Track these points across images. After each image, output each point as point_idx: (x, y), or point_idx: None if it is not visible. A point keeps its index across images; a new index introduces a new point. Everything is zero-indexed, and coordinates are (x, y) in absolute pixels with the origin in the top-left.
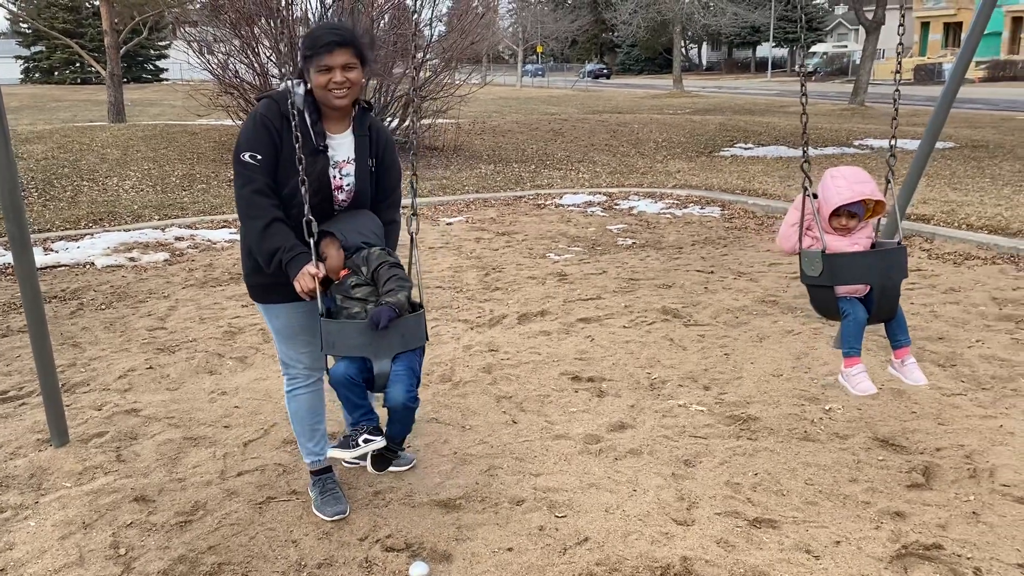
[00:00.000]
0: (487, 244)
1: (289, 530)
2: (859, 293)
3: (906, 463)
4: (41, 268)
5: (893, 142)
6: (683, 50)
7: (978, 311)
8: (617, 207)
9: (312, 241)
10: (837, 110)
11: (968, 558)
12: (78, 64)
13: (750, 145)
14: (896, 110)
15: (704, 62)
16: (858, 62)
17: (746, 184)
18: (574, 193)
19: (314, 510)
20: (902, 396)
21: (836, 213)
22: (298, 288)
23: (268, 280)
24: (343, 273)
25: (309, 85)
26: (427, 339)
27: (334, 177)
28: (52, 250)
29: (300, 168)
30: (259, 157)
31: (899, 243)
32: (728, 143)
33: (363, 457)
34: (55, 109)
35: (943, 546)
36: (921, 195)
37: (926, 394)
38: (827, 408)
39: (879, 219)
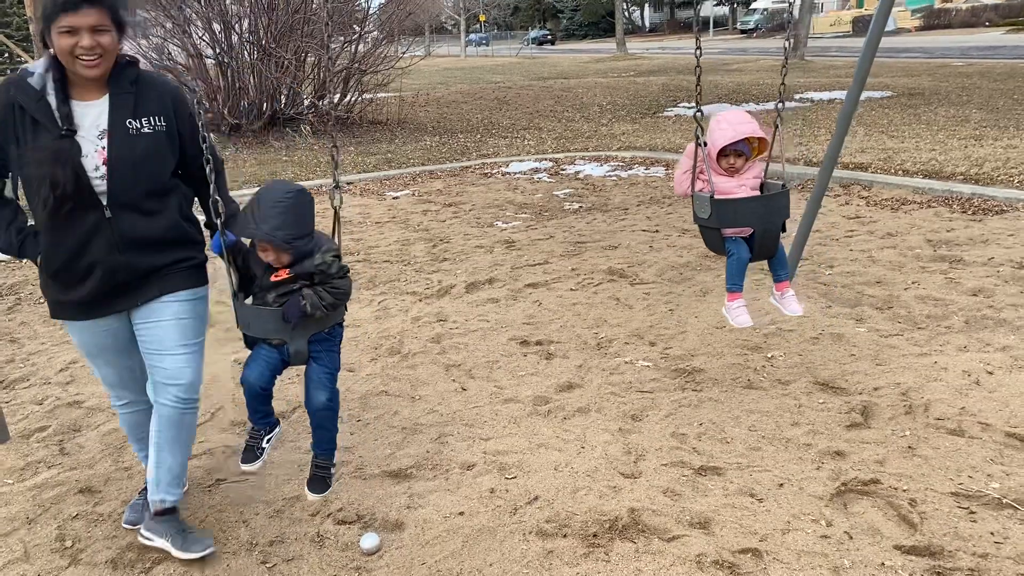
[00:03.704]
0: (434, 216)
1: (240, 510)
2: (744, 233)
3: (845, 404)
4: None
5: (781, 90)
6: (626, 12)
7: (914, 254)
8: (563, 172)
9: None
10: (778, 65)
11: (904, 490)
12: (6, 55)
13: (692, 104)
14: (786, 59)
15: (647, 24)
16: (795, 18)
17: (689, 142)
18: (520, 161)
19: (177, 552)
20: (841, 340)
21: (724, 153)
22: None
23: (58, 293)
24: (284, 274)
25: (52, 51)
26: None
27: (88, 156)
28: None
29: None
30: None
31: (783, 186)
32: (671, 103)
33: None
34: None
35: (880, 481)
36: (859, 144)
37: (865, 336)
38: (769, 356)
39: (767, 160)
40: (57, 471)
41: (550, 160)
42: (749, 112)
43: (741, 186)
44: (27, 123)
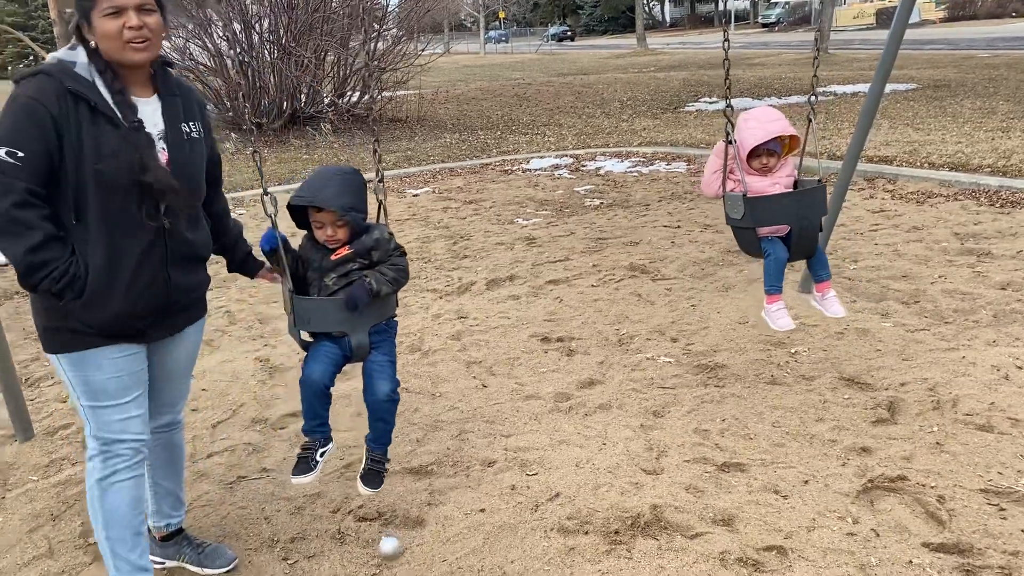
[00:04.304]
0: (454, 213)
1: (261, 507)
2: (780, 233)
3: (871, 400)
4: (2, 265)
5: (814, 82)
6: (646, 7)
7: (940, 247)
8: (584, 168)
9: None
10: (801, 58)
11: (932, 487)
12: (32, 58)
13: (715, 99)
14: (817, 50)
15: (668, 18)
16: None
17: (711, 138)
18: (540, 157)
19: (197, 569)
20: (867, 335)
21: (755, 154)
22: None
23: (97, 316)
24: (344, 251)
25: (93, 43)
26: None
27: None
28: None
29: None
30: (20, 155)
31: (819, 181)
32: (692, 98)
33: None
34: None
35: (908, 477)
36: (883, 137)
37: (891, 331)
38: (793, 352)
39: (800, 156)
40: (80, 468)
41: (570, 156)
42: (774, 107)
43: (774, 185)
44: (83, 114)
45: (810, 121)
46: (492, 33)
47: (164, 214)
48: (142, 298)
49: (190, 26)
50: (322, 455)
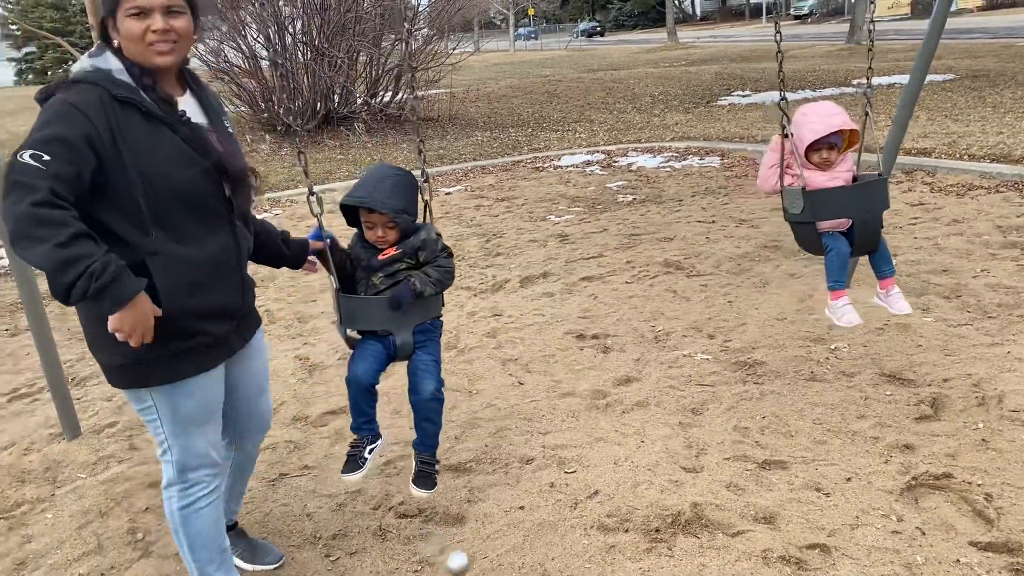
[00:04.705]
0: (487, 211)
1: (303, 504)
2: (841, 227)
3: (914, 396)
4: None
5: (869, 74)
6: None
7: (982, 240)
8: (616, 164)
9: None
10: (834, 50)
11: (979, 485)
12: (70, 62)
13: (747, 92)
14: (872, 41)
15: (698, 12)
16: (852, 1)
17: (744, 131)
18: (572, 154)
19: (247, 566)
20: (908, 330)
21: (815, 148)
22: (133, 338)
23: (183, 342)
24: (391, 251)
25: (116, 43)
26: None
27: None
28: None
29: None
30: (46, 158)
31: (879, 175)
32: (725, 92)
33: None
34: None
35: (953, 475)
36: (922, 129)
37: (932, 326)
38: (833, 348)
39: (859, 151)
40: (127, 466)
41: (602, 152)
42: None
43: (834, 179)
44: (137, 121)
45: (867, 114)
46: (521, 30)
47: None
48: (226, 298)
49: (224, 28)
50: (370, 452)
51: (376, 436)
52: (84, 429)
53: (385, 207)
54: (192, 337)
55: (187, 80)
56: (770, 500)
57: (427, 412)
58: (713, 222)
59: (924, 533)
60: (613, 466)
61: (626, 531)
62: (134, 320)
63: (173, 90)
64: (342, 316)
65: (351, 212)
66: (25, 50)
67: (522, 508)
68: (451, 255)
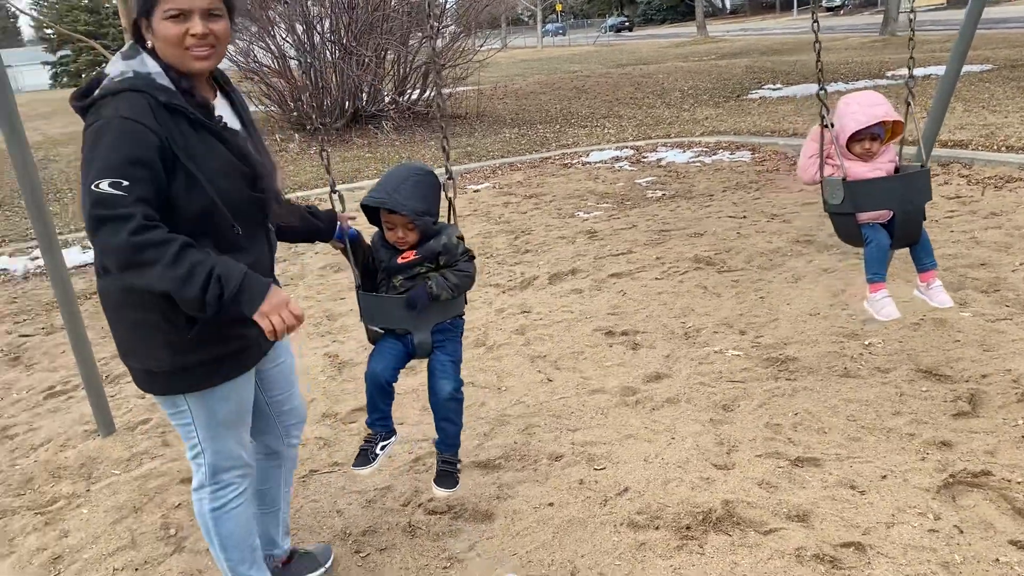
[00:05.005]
0: (515, 208)
1: (333, 501)
2: (882, 219)
3: (951, 392)
4: (81, 266)
5: (910, 63)
6: None
7: (1021, 233)
8: (645, 160)
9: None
10: (868, 42)
11: (1019, 483)
12: (103, 65)
13: (779, 86)
14: (912, 30)
15: (728, 5)
16: None
17: (776, 125)
18: (600, 150)
19: (322, 571)
20: (944, 325)
21: (857, 138)
22: (278, 327)
23: (221, 347)
24: (411, 256)
25: (150, 44)
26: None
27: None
28: (90, 248)
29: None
30: (125, 184)
31: (922, 166)
32: (756, 86)
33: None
34: None
35: (992, 472)
36: (958, 120)
37: (970, 321)
38: (867, 343)
39: (900, 141)
40: (160, 462)
41: (631, 148)
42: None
43: (875, 170)
44: (185, 127)
45: (908, 105)
46: (549, 26)
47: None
48: None
49: (253, 28)
50: (383, 448)
51: (390, 432)
52: (118, 426)
53: (405, 209)
54: (228, 342)
55: (219, 82)
56: (803, 498)
57: (446, 412)
58: (744, 217)
59: (962, 532)
60: (643, 463)
61: (656, 528)
62: (279, 311)
63: (207, 93)
64: (362, 312)
65: (373, 211)
66: (60, 53)
67: (551, 505)
68: (472, 258)
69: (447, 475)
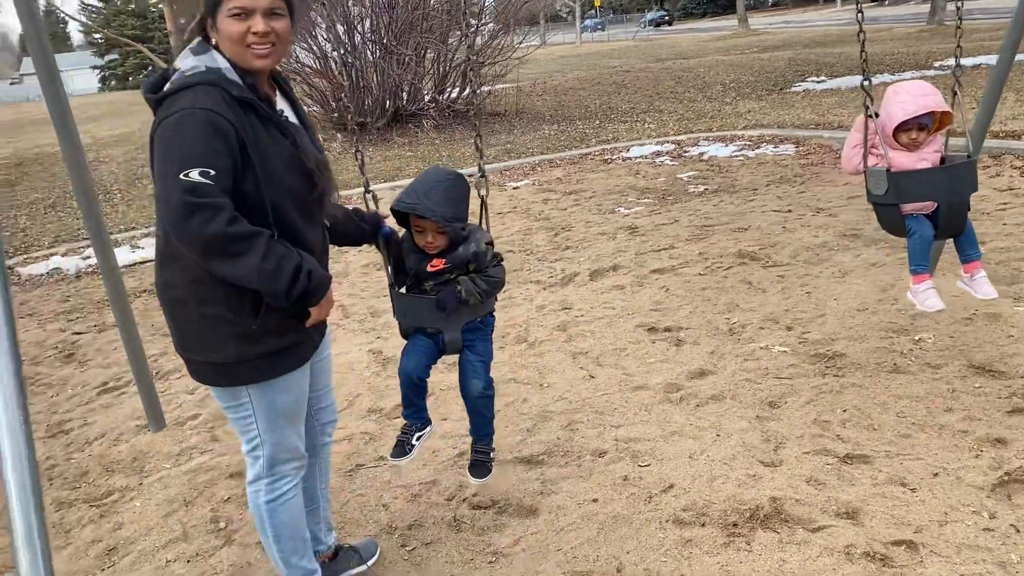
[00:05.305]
0: (555, 204)
1: (379, 495)
2: (926, 210)
3: (1005, 388)
4: (130, 264)
5: (957, 52)
6: None
7: None
8: (687, 154)
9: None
10: (914, 32)
11: None
12: (150, 68)
13: (823, 78)
14: (960, 18)
15: None
16: None
17: (820, 118)
18: (641, 145)
19: (368, 566)
20: (998, 320)
21: (904, 128)
22: (317, 318)
23: (281, 339)
24: (440, 264)
25: (214, 41)
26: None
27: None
28: (139, 247)
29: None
30: (212, 173)
31: (968, 156)
32: (799, 78)
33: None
34: (132, 113)
35: None
36: (1010, 110)
37: None
38: (917, 339)
39: (947, 132)
40: (209, 456)
41: (672, 143)
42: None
43: (921, 161)
44: (255, 121)
45: (955, 94)
46: (588, 22)
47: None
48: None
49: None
50: (419, 439)
51: (425, 424)
52: (168, 421)
53: (435, 215)
54: (287, 335)
55: (277, 81)
56: (852, 495)
57: (476, 407)
58: (789, 211)
59: (1019, 531)
60: (688, 460)
61: (703, 525)
62: (329, 305)
63: (269, 91)
64: (394, 310)
65: (403, 214)
66: (108, 57)
67: (596, 501)
68: (501, 262)
69: (480, 464)
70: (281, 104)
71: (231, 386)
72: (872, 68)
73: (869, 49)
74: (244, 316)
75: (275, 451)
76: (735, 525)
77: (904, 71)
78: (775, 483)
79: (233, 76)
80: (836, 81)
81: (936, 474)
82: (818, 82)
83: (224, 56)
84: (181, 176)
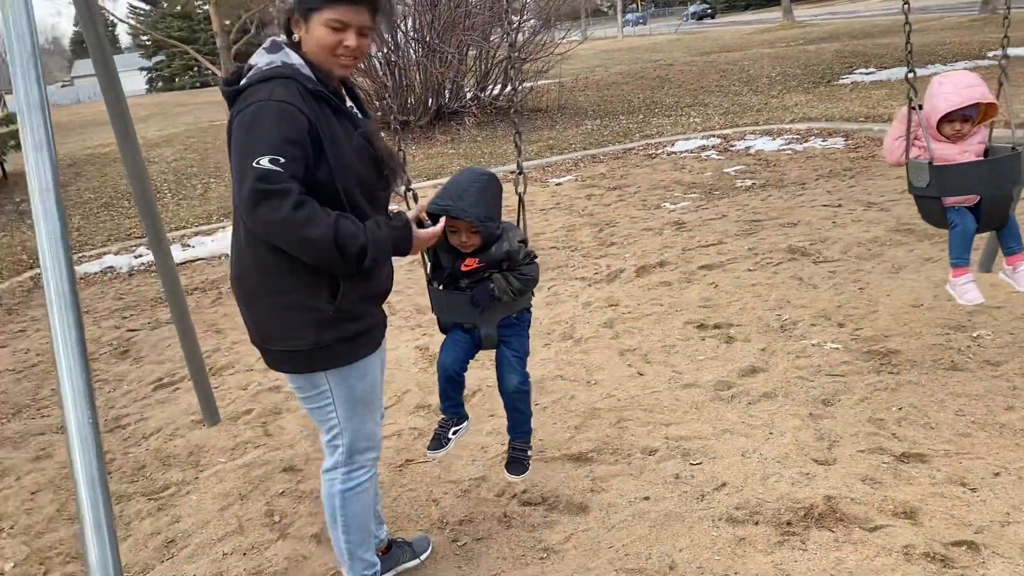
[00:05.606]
0: (599, 200)
1: (429, 490)
2: (968, 202)
3: None
4: (181, 263)
5: (1004, 42)
6: None
7: None
8: (733, 149)
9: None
10: (966, 22)
11: None
12: (196, 69)
13: (872, 69)
14: (1008, 7)
15: None
16: None
17: (870, 111)
18: (686, 139)
19: (420, 560)
20: None
21: (949, 119)
22: (430, 243)
23: (356, 324)
24: (473, 263)
25: (297, 37)
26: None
27: None
28: (189, 245)
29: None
30: (282, 160)
31: (1013, 148)
32: (847, 70)
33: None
34: (179, 114)
35: None
36: None
37: None
38: (975, 336)
39: (991, 124)
40: (263, 451)
41: (718, 137)
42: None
43: (964, 152)
44: (328, 114)
45: (1001, 84)
46: (629, 16)
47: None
48: (384, 284)
49: None
50: (455, 432)
51: (462, 418)
52: (222, 416)
53: (469, 216)
54: (361, 319)
55: (345, 82)
56: (910, 494)
57: (513, 402)
58: (840, 206)
59: None
60: (740, 458)
61: (756, 524)
62: (428, 239)
63: (338, 86)
64: (432, 304)
65: (437, 216)
66: (155, 59)
67: (647, 499)
68: (534, 260)
69: (517, 461)
70: (348, 100)
71: (310, 372)
72: (923, 59)
73: (920, 39)
74: (321, 302)
75: (354, 439)
76: (789, 524)
77: (956, 61)
78: (829, 482)
79: (307, 71)
80: (886, 73)
81: (997, 474)
82: (867, 74)
83: (296, 53)
84: (254, 164)
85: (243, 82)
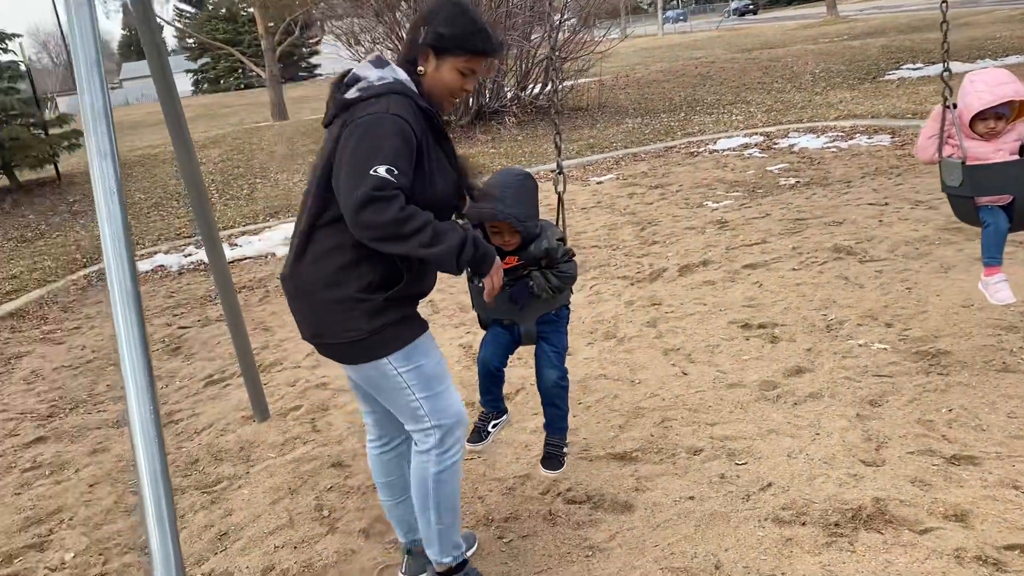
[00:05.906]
0: (640, 199)
1: (475, 487)
2: (1001, 201)
3: None
4: (229, 262)
5: None
6: None
7: None
8: (776, 146)
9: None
10: (1016, 15)
11: None
12: (240, 71)
13: (919, 65)
14: None
15: None
16: None
17: (917, 107)
18: (728, 137)
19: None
20: None
21: (982, 117)
22: (491, 288)
23: (399, 311)
24: (513, 261)
25: (422, 70)
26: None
27: None
28: (237, 245)
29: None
30: (396, 171)
31: None
32: (894, 66)
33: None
34: (225, 115)
35: None
36: None
37: None
38: None
39: None
40: (311, 446)
41: (761, 134)
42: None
43: (998, 151)
44: (429, 132)
45: None
46: (670, 13)
47: None
48: (431, 284)
49: (380, 28)
50: (494, 426)
51: (501, 412)
52: (272, 412)
53: (509, 217)
54: (406, 307)
55: None
56: (961, 497)
57: (551, 398)
58: (886, 204)
59: None
60: (787, 459)
61: (803, 524)
62: (498, 275)
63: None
64: (472, 301)
65: None
66: (200, 61)
67: (692, 498)
68: (573, 257)
69: (553, 457)
70: None
71: (373, 360)
72: (972, 54)
73: (967, 34)
74: (371, 294)
75: (439, 416)
76: (837, 525)
77: (1008, 56)
78: (878, 483)
79: (413, 87)
80: (934, 68)
81: None
82: (914, 69)
83: (410, 73)
84: (371, 172)
85: (357, 93)
